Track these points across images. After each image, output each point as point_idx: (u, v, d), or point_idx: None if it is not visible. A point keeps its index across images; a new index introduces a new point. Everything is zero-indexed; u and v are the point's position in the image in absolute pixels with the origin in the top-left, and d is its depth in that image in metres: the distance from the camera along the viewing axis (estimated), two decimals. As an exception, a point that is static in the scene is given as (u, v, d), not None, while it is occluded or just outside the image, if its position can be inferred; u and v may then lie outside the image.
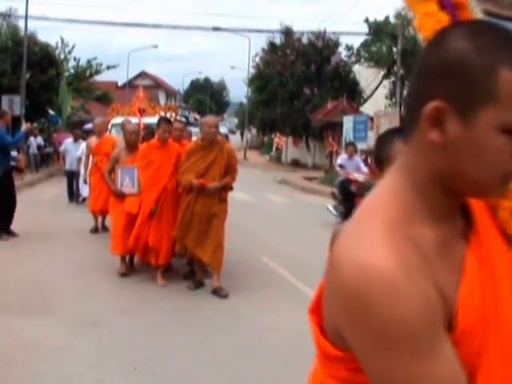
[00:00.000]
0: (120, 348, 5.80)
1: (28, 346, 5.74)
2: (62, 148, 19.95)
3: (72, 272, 8.77)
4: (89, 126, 29.39)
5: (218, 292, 7.65)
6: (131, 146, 8.81)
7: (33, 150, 27.86)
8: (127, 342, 5.95)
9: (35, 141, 28.43)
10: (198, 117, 68.68)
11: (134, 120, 13.20)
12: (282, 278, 8.70)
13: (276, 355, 5.72)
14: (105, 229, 12.20)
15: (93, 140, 13.04)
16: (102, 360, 5.49)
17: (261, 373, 5.34)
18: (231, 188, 7.99)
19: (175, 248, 8.11)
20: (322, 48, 38.61)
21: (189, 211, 7.73)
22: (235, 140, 56.96)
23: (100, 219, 12.54)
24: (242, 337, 6.23)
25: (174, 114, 16.24)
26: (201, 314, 6.96)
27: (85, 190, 15.04)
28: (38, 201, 17.30)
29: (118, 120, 14.68)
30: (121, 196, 8.41)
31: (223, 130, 58.70)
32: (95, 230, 12.35)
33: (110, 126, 15.14)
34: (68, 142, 19.13)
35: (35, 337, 6.02)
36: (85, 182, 13.64)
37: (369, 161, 18.53)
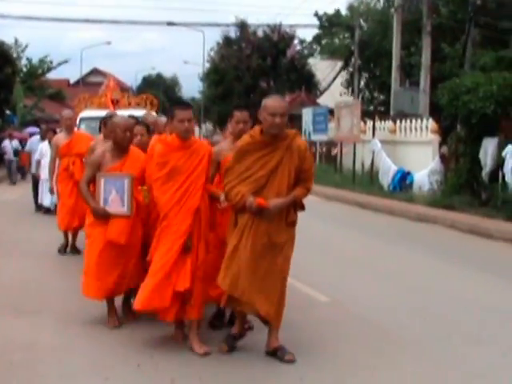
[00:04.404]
0: (120, 345, 5.76)
1: (26, 347, 5.67)
2: (27, 147, 18.67)
3: (57, 272, 8.68)
4: (32, 129, 27.37)
5: (279, 354, 5.35)
6: (121, 148, 6.22)
7: (9, 155, 23.33)
8: (127, 339, 5.91)
9: (11, 144, 23.70)
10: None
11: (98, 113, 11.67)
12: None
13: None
14: (76, 250, 9.83)
15: (60, 137, 10.20)
16: (104, 358, 5.45)
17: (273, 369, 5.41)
18: (303, 206, 5.52)
19: (222, 302, 5.55)
20: (277, 41, 38.84)
21: (243, 244, 5.25)
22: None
23: (70, 238, 10.00)
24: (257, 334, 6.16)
25: (150, 107, 13.82)
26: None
27: (46, 200, 13.59)
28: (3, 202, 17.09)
29: (88, 113, 13.04)
30: (104, 217, 6.08)
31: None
32: (65, 249, 9.95)
33: (77, 121, 13.00)
34: (34, 140, 17.56)
35: (32, 337, 5.95)
36: (51, 191, 10.60)
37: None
